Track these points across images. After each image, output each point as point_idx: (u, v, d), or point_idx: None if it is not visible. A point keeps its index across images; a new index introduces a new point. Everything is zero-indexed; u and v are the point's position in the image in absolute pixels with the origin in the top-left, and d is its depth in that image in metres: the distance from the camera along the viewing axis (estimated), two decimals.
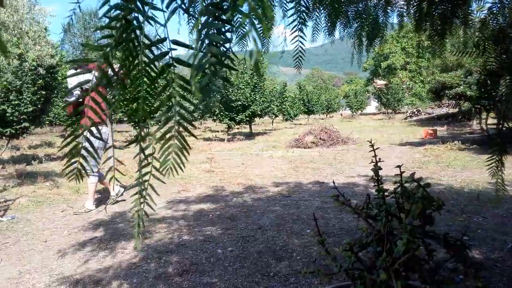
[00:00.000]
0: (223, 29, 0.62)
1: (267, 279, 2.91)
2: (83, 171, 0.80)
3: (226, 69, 0.63)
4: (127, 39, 0.64)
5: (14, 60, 10.87)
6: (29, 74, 8.73)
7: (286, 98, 30.07)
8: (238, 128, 24.67)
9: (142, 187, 0.79)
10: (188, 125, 0.70)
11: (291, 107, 31.06)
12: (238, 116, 18.48)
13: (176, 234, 4.05)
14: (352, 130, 18.18)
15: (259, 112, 20.23)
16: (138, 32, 0.66)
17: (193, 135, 0.78)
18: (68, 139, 0.73)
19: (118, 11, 0.64)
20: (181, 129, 0.70)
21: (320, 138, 14.12)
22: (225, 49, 0.63)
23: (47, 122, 21.82)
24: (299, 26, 1.10)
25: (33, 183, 7.62)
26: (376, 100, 42.97)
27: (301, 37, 1.10)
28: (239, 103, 18.12)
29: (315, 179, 7.29)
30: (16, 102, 9.18)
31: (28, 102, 8.72)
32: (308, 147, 13.52)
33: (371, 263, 1.26)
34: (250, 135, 20.87)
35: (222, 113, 18.24)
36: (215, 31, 0.62)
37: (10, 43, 8.77)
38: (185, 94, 0.69)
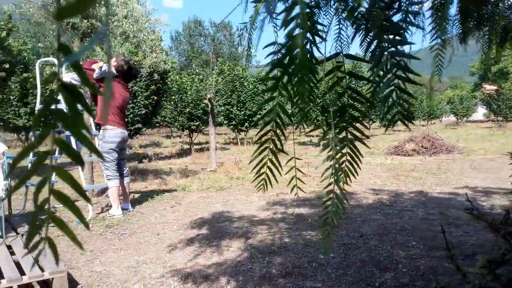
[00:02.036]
0: (397, 41, 0.63)
1: None
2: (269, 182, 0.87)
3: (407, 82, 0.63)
4: (305, 59, 0.68)
5: None
6: (143, 80, 9.51)
7: None
8: None
9: (332, 195, 0.83)
10: (358, 133, 0.73)
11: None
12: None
13: (277, 236, 4.13)
14: (458, 138, 16.97)
15: None
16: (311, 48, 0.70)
17: (364, 143, 0.81)
18: (257, 153, 0.80)
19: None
20: (352, 137, 0.73)
21: (422, 146, 13.38)
22: (404, 63, 0.64)
23: (157, 124, 23.44)
24: (439, 33, 1.07)
25: (144, 180, 8.29)
26: (485, 107, 39.66)
27: (440, 44, 1.08)
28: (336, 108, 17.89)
29: (418, 189, 6.94)
30: (131, 105, 10.07)
31: (141, 105, 9.49)
32: (409, 155, 12.90)
33: (509, 282, 1.18)
34: None
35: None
36: (390, 45, 0.63)
37: (128, 51, 9.61)
38: (357, 105, 0.72)
